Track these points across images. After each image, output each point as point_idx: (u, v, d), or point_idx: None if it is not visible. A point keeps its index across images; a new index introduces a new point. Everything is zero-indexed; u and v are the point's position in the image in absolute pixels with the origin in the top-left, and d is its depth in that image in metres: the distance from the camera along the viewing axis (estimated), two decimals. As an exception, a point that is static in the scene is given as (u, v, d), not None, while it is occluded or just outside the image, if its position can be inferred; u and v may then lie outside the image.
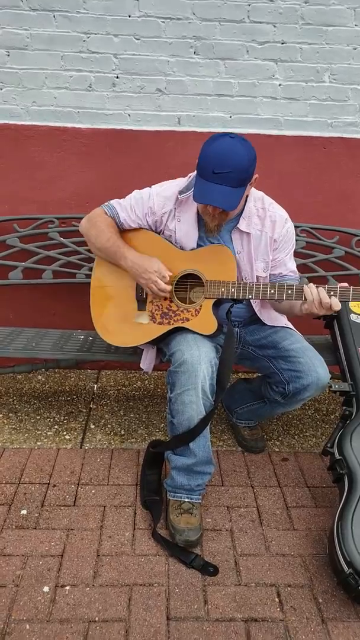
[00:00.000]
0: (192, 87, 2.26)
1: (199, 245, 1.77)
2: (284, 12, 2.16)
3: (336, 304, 1.62)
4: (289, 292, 1.67)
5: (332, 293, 1.64)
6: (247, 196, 1.74)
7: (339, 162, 2.37)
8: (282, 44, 2.21)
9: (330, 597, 1.51)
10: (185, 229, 1.77)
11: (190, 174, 1.78)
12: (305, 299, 1.65)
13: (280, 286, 1.69)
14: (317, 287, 1.64)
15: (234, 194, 1.58)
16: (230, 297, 1.72)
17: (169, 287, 1.73)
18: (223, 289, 1.71)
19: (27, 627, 1.38)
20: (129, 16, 2.14)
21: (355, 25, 2.19)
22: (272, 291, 1.69)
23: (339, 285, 1.65)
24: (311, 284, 1.65)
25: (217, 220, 1.69)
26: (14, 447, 2.12)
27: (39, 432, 2.23)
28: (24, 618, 1.40)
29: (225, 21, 2.16)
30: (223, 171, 1.53)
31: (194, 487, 1.74)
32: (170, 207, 1.77)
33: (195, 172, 1.63)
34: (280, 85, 2.28)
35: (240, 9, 2.14)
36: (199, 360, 1.62)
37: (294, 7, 2.15)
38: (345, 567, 1.44)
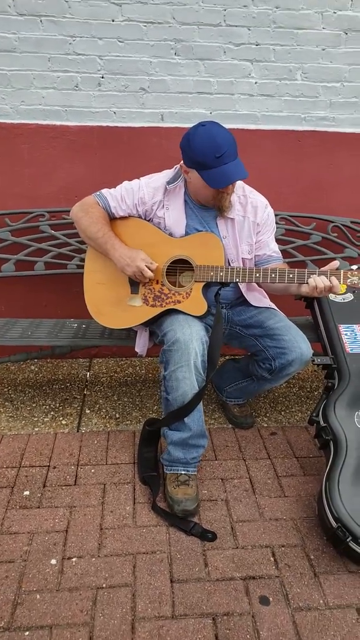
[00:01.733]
0: (174, 86, 2.37)
1: (186, 233, 1.88)
2: (257, 16, 2.29)
3: (337, 286, 1.74)
4: (273, 275, 1.79)
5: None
6: None
7: (313, 153, 2.51)
8: (257, 45, 2.35)
9: (320, 554, 1.62)
10: (174, 217, 1.87)
11: (175, 166, 1.89)
12: (303, 283, 1.78)
13: (265, 270, 1.81)
14: (318, 275, 1.75)
15: (241, 164, 1.71)
16: (218, 280, 1.82)
17: (153, 276, 1.82)
18: (212, 273, 1.82)
19: (38, 596, 1.45)
20: (113, 20, 2.24)
21: (323, 28, 2.34)
22: (257, 275, 1.81)
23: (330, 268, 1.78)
24: (314, 276, 1.75)
25: (229, 196, 1.79)
26: (12, 433, 2.18)
27: (36, 419, 2.29)
28: (34, 589, 1.47)
29: (203, 25, 2.29)
30: (222, 152, 1.65)
31: (189, 460, 1.83)
32: (160, 197, 1.87)
33: (183, 169, 1.77)
34: (256, 83, 2.41)
35: (217, 13, 2.27)
36: (190, 339, 1.71)
37: (267, 12, 2.29)
38: (333, 523, 1.56)
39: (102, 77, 2.33)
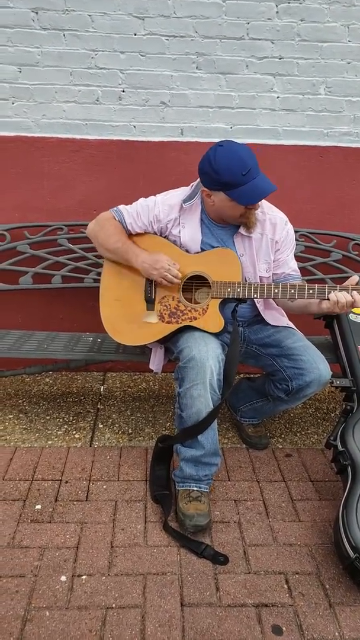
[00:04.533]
0: (195, 100, 2.36)
1: (202, 249, 1.86)
2: (281, 29, 2.28)
3: (359, 300, 1.72)
4: (292, 291, 1.76)
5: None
6: None
7: (336, 169, 2.48)
8: (280, 59, 2.33)
9: (336, 584, 1.57)
10: (190, 234, 1.86)
11: (192, 183, 1.87)
12: (325, 299, 1.76)
13: (284, 286, 1.78)
14: (340, 290, 1.73)
15: (266, 177, 1.69)
16: (236, 296, 1.80)
17: (180, 274, 1.80)
18: (229, 289, 1.80)
19: (47, 614, 1.44)
20: (135, 34, 2.25)
21: (349, 41, 2.31)
22: (276, 290, 1.77)
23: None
24: (335, 291, 1.73)
25: (254, 212, 1.78)
26: (26, 446, 2.18)
27: (49, 432, 2.29)
28: (44, 605, 1.46)
29: (226, 38, 2.27)
30: (247, 169, 1.64)
31: (201, 477, 1.81)
32: (175, 215, 1.86)
33: (205, 192, 1.76)
34: (278, 97, 2.39)
35: (240, 26, 2.26)
36: (206, 356, 1.69)
37: (291, 25, 2.27)
38: (351, 553, 1.51)
39: (123, 91, 2.34)
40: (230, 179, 1.65)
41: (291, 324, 2.01)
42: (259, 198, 1.69)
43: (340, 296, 1.71)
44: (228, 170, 1.64)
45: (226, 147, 1.66)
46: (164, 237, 1.90)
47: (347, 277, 2.42)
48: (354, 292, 1.72)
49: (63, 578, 1.55)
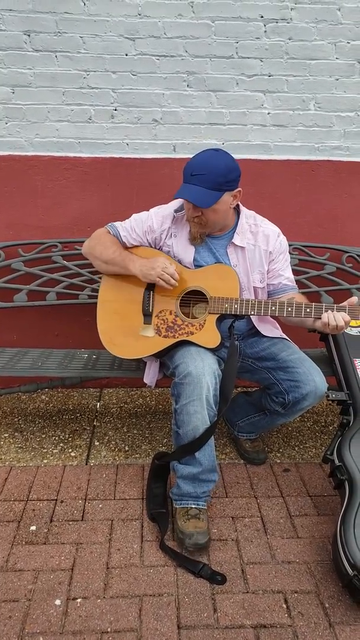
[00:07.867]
0: (186, 117, 2.39)
1: (195, 259, 1.87)
2: (270, 48, 2.31)
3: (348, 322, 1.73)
4: (289, 309, 1.77)
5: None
6: (238, 212, 1.89)
7: (327, 183, 2.50)
8: (269, 76, 2.36)
9: (336, 602, 1.54)
10: (182, 244, 1.88)
11: None
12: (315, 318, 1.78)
13: (281, 303, 1.78)
14: (333, 311, 1.73)
15: (208, 195, 1.70)
16: (233, 312, 1.80)
17: (176, 274, 1.81)
18: (227, 305, 1.80)
19: (41, 639, 1.40)
20: (126, 55, 2.28)
21: (337, 58, 2.34)
22: (274, 308, 1.78)
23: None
24: (329, 312, 1.74)
25: (197, 227, 1.81)
26: (21, 465, 2.16)
27: (45, 450, 2.27)
28: (38, 631, 1.43)
29: (216, 57, 2.31)
30: (199, 173, 1.69)
31: (199, 494, 1.78)
32: (168, 224, 1.89)
33: None
34: (269, 113, 2.42)
35: (229, 46, 2.30)
36: (202, 372, 1.68)
37: (279, 44, 2.31)
38: (350, 570, 1.48)
39: (115, 110, 2.36)
40: (184, 171, 1.75)
41: (285, 336, 2.01)
42: (176, 195, 1.74)
43: (331, 318, 1.72)
44: (188, 164, 1.75)
45: (212, 152, 1.75)
46: (159, 249, 1.92)
47: (342, 290, 2.48)
48: (343, 314, 1.72)
49: (57, 602, 1.52)
